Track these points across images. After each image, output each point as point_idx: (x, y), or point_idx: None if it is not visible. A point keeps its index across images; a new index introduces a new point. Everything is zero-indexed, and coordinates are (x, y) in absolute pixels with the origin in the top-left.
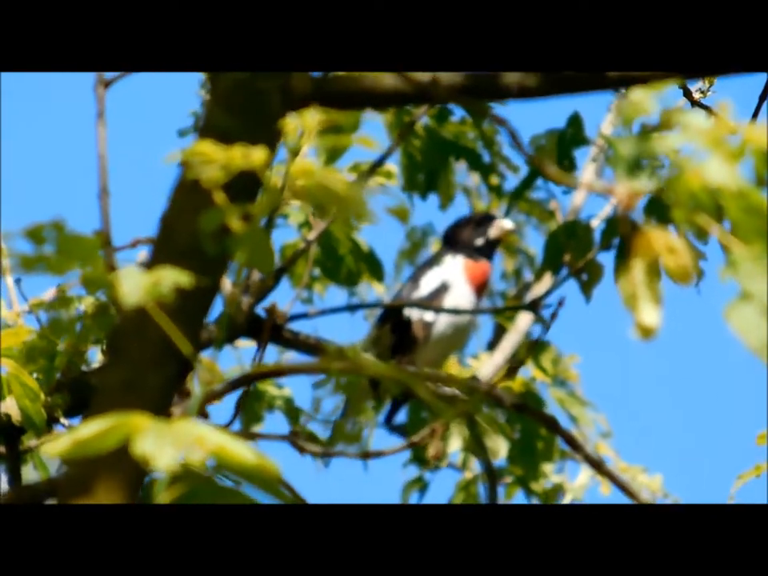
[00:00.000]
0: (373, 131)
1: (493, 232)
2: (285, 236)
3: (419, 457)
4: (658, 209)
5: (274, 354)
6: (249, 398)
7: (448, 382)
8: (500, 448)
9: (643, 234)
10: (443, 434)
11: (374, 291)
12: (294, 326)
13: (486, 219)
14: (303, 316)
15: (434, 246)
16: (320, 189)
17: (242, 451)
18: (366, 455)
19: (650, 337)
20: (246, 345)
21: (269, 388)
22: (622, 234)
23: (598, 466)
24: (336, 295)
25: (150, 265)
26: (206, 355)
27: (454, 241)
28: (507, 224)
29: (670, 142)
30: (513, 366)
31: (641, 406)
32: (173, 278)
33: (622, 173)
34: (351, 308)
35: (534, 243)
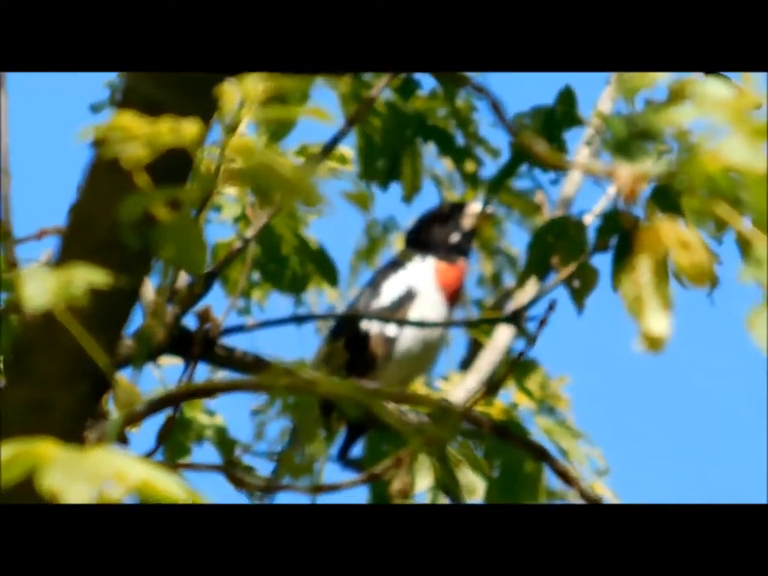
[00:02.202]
0: (324, 106)
1: (466, 222)
2: (217, 233)
3: (381, 492)
4: (667, 197)
5: (204, 375)
6: (174, 426)
7: (415, 401)
8: (476, 486)
9: (649, 226)
10: (410, 466)
11: (326, 299)
12: (229, 340)
13: (456, 210)
14: (239, 329)
15: (397, 243)
16: (262, 171)
17: (170, 486)
18: (317, 490)
19: (658, 348)
20: (171, 363)
21: (197, 415)
22: (624, 227)
23: (596, 503)
24: (279, 304)
25: (58, 261)
26: (123, 375)
27: (421, 239)
28: (480, 207)
29: (681, 116)
30: (491, 385)
31: (643, 437)
32: (86, 277)
33: (621, 157)
34: (298, 319)
35: (517, 242)
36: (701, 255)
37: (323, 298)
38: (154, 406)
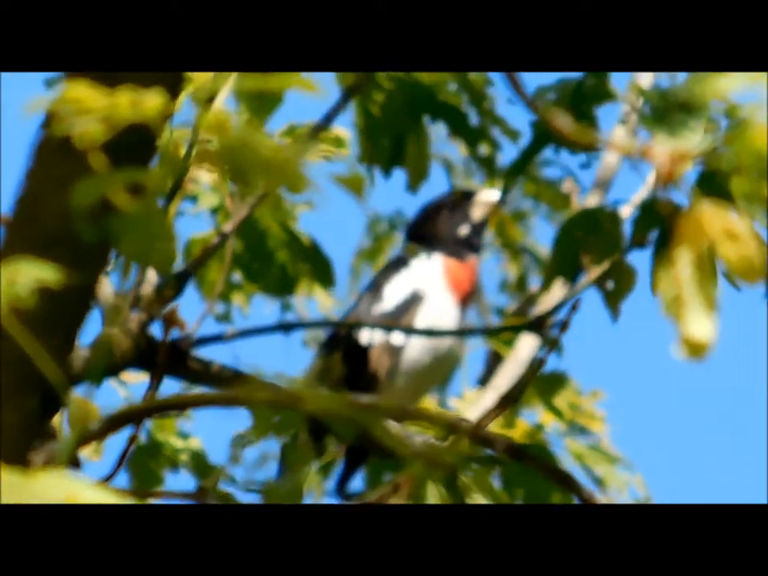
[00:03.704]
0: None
1: (477, 212)
2: (192, 226)
3: None
4: (713, 179)
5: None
6: (142, 451)
7: (419, 418)
8: None
9: (691, 213)
10: (413, 494)
11: (319, 304)
12: (205, 352)
13: (464, 198)
14: (217, 338)
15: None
16: (240, 151)
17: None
18: None
19: (701, 355)
20: (138, 379)
21: (170, 438)
22: (663, 215)
23: None
24: (264, 309)
25: (1, 256)
26: (78, 392)
27: (425, 233)
28: (492, 195)
29: (728, 86)
30: (507, 398)
31: (690, 461)
32: (34, 273)
33: (661, 133)
34: (286, 327)
35: (545, 239)
36: (751, 247)
37: (315, 304)
38: (113, 424)
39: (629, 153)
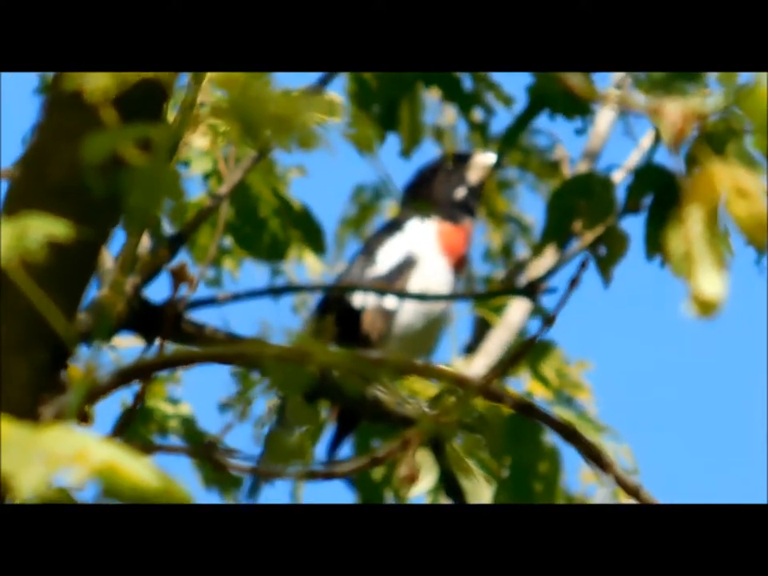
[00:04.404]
0: None
1: (473, 175)
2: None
3: (370, 493)
4: (721, 137)
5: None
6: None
7: (426, 373)
8: (481, 491)
9: (701, 171)
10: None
11: (309, 270)
12: (197, 315)
13: (460, 161)
14: (211, 302)
15: (391, 210)
16: (250, 104)
17: (140, 470)
18: (309, 476)
19: (712, 313)
20: (129, 344)
21: (160, 404)
22: (669, 174)
23: (635, 493)
24: (255, 274)
25: (10, 210)
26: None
27: (420, 196)
28: (488, 158)
29: None
30: (504, 364)
31: (679, 431)
32: (44, 228)
33: (657, 96)
34: (276, 291)
35: (531, 208)
36: (761, 204)
37: (303, 271)
38: (121, 378)
39: (635, 110)
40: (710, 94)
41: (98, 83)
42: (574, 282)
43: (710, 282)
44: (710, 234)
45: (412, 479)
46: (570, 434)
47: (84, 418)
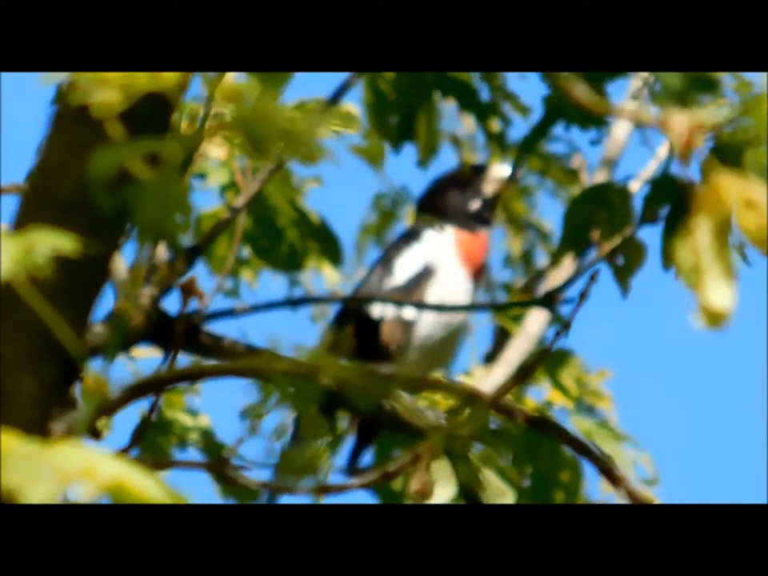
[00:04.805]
0: None
1: (489, 187)
2: (202, 202)
3: (389, 499)
4: (729, 149)
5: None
6: (151, 428)
7: (438, 389)
8: (504, 496)
9: (709, 183)
10: (429, 464)
11: (326, 280)
12: (215, 326)
13: (476, 172)
14: (229, 313)
15: (410, 217)
16: (257, 119)
17: (149, 487)
18: (322, 491)
19: (720, 324)
20: (147, 355)
21: (179, 416)
22: (679, 186)
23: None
24: (273, 284)
25: (18, 225)
26: (93, 366)
27: (435, 206)
28: (504, 170)
29: None
30: (522, 373)
31: (699, 440)
32: (51, 242)
33: (673, 108)
34: (295, 302)
35: (551, 215)
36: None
37: (323, 280)
38: (133, 393)
39: (646, 123)
40: (725, 105)
41: (104, 97)
42: (583, 296)
43: (718, 294)
44: (718, 246)
45: (424, 494)
46: (581, 448)
47: (95, 433)
